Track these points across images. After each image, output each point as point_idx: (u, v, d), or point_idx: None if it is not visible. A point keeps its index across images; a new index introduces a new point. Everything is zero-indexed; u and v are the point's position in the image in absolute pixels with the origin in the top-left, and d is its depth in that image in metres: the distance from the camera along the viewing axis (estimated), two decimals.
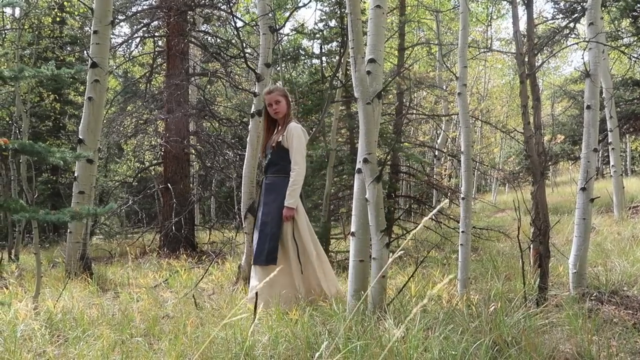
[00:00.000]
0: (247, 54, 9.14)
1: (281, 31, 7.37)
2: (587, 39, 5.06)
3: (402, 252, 7.80)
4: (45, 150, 2.91)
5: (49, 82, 14.39)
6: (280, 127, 4.76)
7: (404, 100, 11.69)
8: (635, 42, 14.29)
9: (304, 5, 7.35)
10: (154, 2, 12.28)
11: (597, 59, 4.98)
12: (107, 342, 3.44)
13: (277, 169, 4.68)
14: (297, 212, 4.64)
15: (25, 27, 10.94)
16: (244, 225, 5.85)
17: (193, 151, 12.28)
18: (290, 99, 4.83)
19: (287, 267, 4.55)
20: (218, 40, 12.73)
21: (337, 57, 8.50)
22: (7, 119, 14.10)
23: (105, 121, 10.39)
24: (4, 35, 12.79)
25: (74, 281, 5.74)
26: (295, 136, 4.61)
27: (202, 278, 5.96)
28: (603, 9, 11.50)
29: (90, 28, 7.08)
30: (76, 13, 15.08)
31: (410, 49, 13.42)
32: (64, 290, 4.96)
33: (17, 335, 3.55)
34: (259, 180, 5.06)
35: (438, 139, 17.78)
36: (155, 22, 11.90)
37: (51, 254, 9.00)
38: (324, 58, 8.84)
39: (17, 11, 12.30)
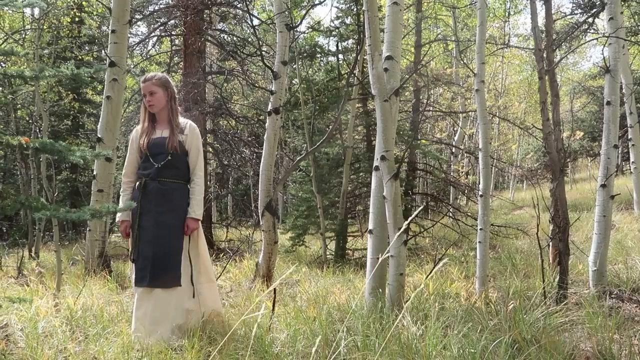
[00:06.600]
0: (263, 52, 9.15)
1: (297, 29, 7.37)
2: (606, 34, 5.01)
3: (419, 249, 7.73)
4: (65, 149, 2.94)
5: (68, 82, 14.56)
6: (165, 124, 4.00)
7: (421, 98, 11.65)
8: None
9: (320, 2, 7.34)
10: (170, 1, 12.35)
11: (617, 54, 4.92)
12: (127, 339, 3.47)
13: (176, 174, 3.94)
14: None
15: (45, 27, 11.06)
16: (261, 223, 5.87)
17: (210, 149, 12.34)
18: (173, 91, 4.05)
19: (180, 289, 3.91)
20: (235, 38, 12.77)
21: (353, 55, 8.48)
22: (27, 118, 14.27)
23: (123, 120, 10.47)
24: (24, 35, 12.94)
25: (93, 278, 5.81)
26: (198, 138, 4.00)
27: (220, 275, 5.98)
28: (623, 3, 11.35)
29: (108, 27, 7.13)
30: (94, 13, 15.24)
31: (427, 45, 13.38)
32: (84, 287, 5.02)
33: (38, 332, 3.60)
34: (135, 185, 4.08)
35: (455, 136, 17.66)
36: (172, 21, 11.96)
37: (71, 251, 9.09)
38: (340, 55, 8.82)
39: (37, 11, 12.45)
